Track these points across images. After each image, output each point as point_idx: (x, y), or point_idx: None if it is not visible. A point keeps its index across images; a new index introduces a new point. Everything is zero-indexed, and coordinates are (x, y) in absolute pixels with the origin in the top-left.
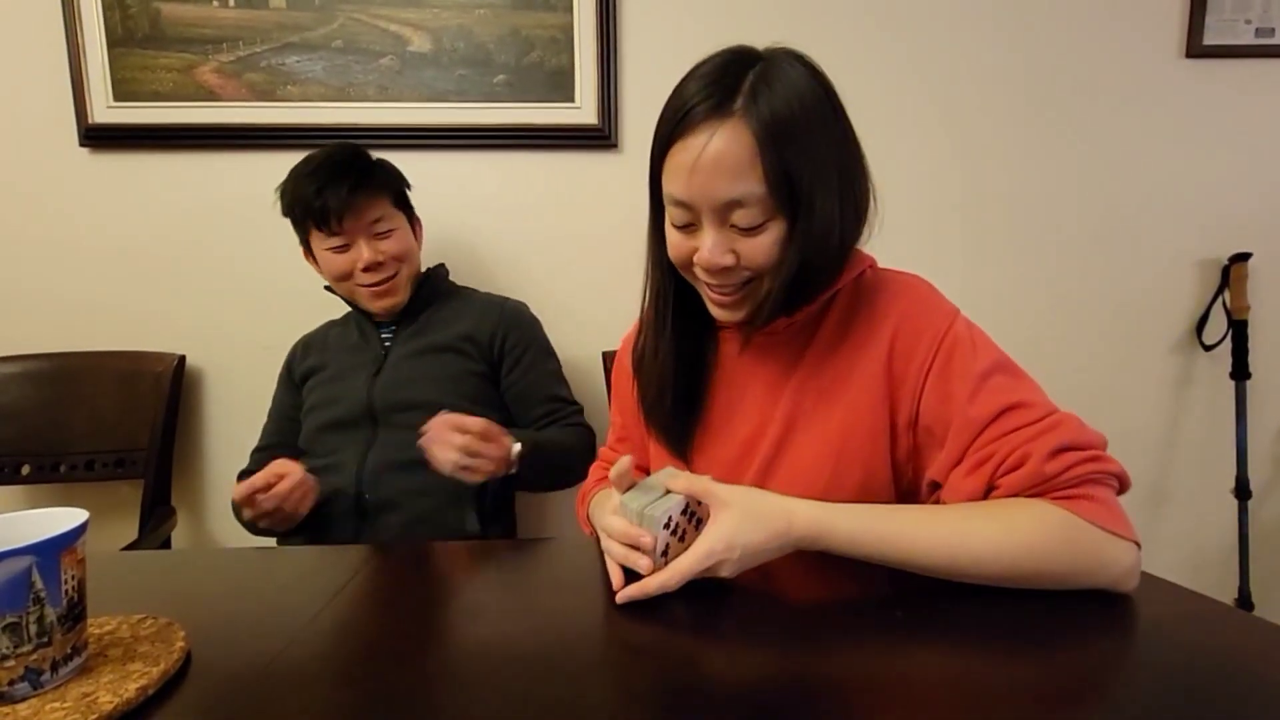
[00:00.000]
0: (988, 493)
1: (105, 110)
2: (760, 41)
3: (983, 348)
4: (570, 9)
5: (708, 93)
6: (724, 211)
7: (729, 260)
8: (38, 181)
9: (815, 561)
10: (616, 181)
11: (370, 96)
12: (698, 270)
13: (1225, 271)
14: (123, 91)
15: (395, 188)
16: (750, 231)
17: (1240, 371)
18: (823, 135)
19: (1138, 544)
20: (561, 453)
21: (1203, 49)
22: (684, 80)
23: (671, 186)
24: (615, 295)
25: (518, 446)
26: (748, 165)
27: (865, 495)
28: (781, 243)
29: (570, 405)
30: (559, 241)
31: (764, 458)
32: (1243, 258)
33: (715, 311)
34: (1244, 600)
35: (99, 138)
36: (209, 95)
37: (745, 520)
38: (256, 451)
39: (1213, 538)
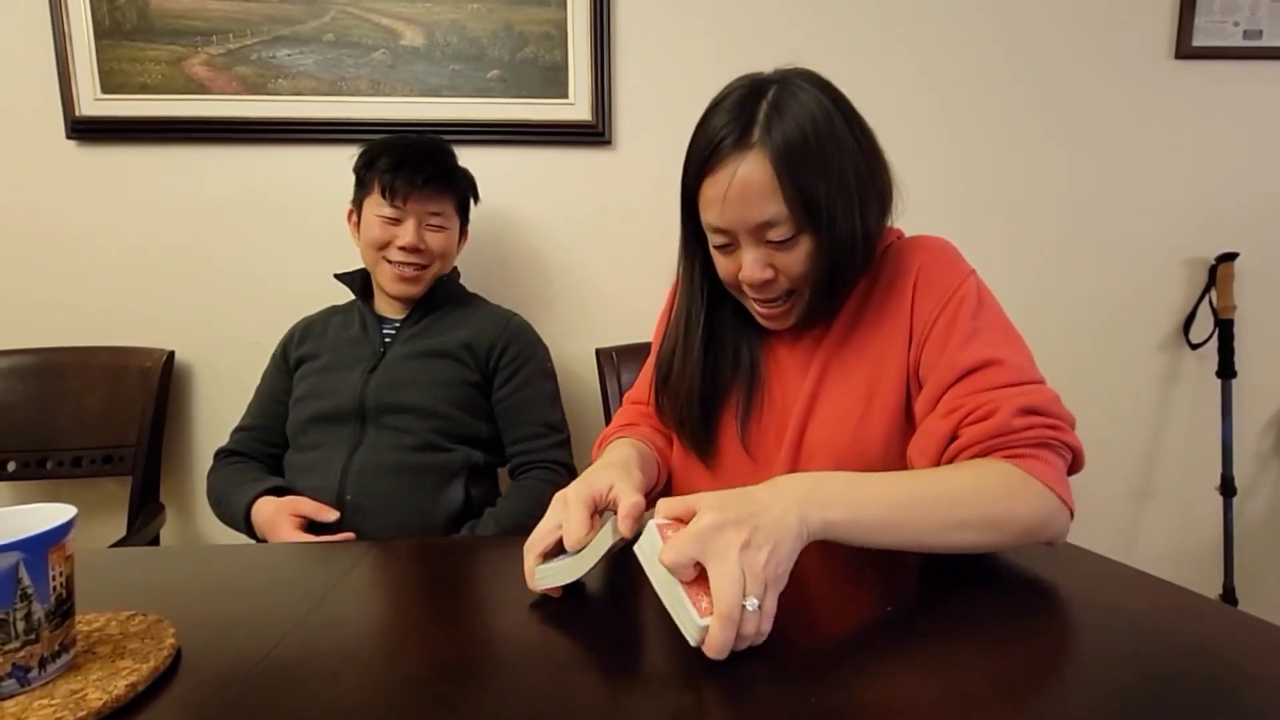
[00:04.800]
0: (951, 441)
1: (93, 102)
2: (754, 40)
3: (988, 307)
4: (564, 5)
5: (730, 128)
6: (758, 232)
7: (769, 274)
8: (24, 174)
9: (807, 558)
10: (610, 178)
11: (362, 91)
12: (744, 286)
13: (1212, 271)
14: (110, 83)
15: (464, 195)
16: (784, 245)
17: (1226, 370)
18: (835, 149)
19: (1072, 512)
20: (524, 528)
21: (1192, 50)
22: (707, 115)
23: (708, 216)
24: (608, 291)
25: None
26: (770, 190)
27: (889, 443)
28: (812, 254)
29: (555, 433)
30: (551, 238)
31: (800, 410)
32: (1229, 257)
33: (763, 323)
34: (1228, 595)
35: (86, 130)
36: (198, 88)
37: (729, 490)
38: (238, 431)
39: (1198, 533)
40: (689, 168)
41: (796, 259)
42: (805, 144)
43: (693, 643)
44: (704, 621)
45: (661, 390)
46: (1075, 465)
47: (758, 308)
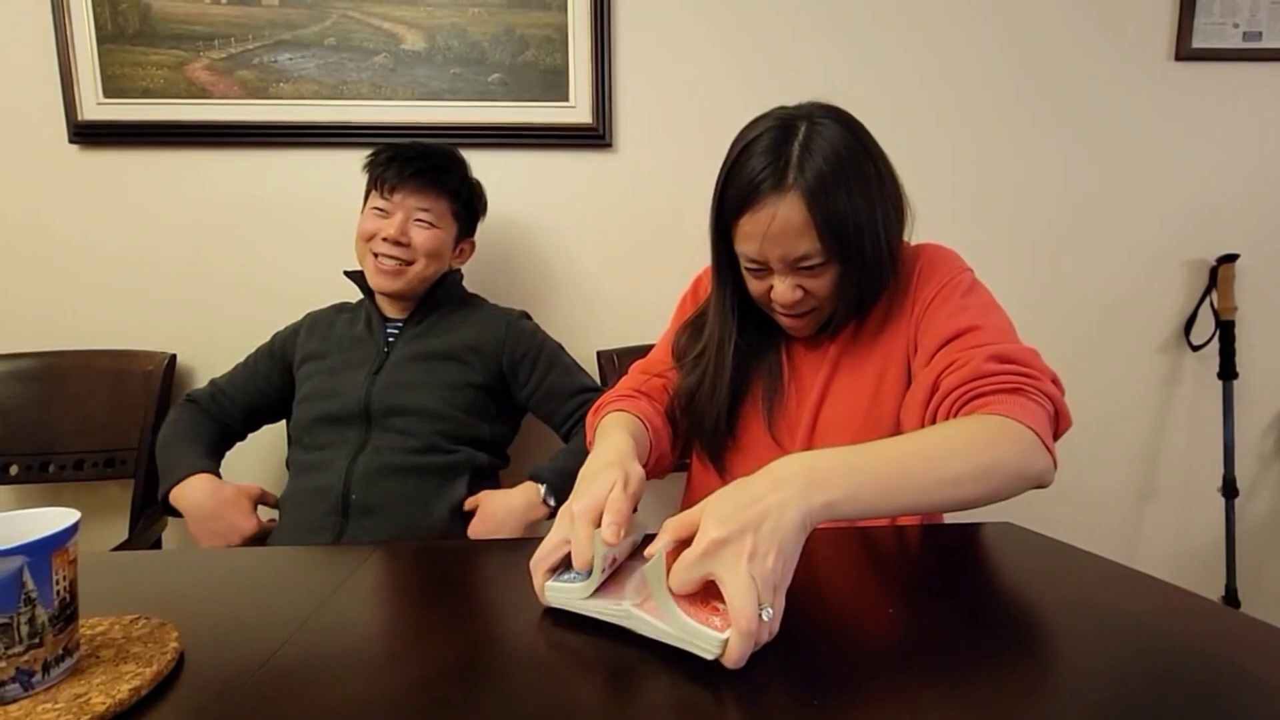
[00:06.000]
0: (933, 393)
1: (95, 107)
2: (754, 43)
3: (978, 291)
4: (565, 8)
5: (767, 171)
6: (793, 263)
7: (799, 295)
8: (26, 178)
9: (806, 557)
10: (610, 181)
11: (364, 95)
12: (774, 304)
13: (1213, 272)
14: (113, 88)
15: (461, 200)
16: (814, 271)
17: (1227, 371)
18: (860, 182)
19: (1054, 457)
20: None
21: (1191, 52)
22: (742, 154)
23: (745, 248)
24: (609, 293)
25: (551, 503)
26: (806, 228)
27: (898, 430)
28: (839, 278)
29: (593, 393)
30: (552, 241)
31: (816, 395)
32: (1230, 259)
33: (789, 331)
34: (1230, 597)
35: (88, 134)
36: (200, 92)
37: (727, 488)
38: (212, 383)
39: (1200, 535)
40: (725, 204)
41: (825, 283)
42: (835, 182)
43: (710, 658)
44: (723, 635)
45: (686, 411)
46: (1060, 419)
47: (783, 320)
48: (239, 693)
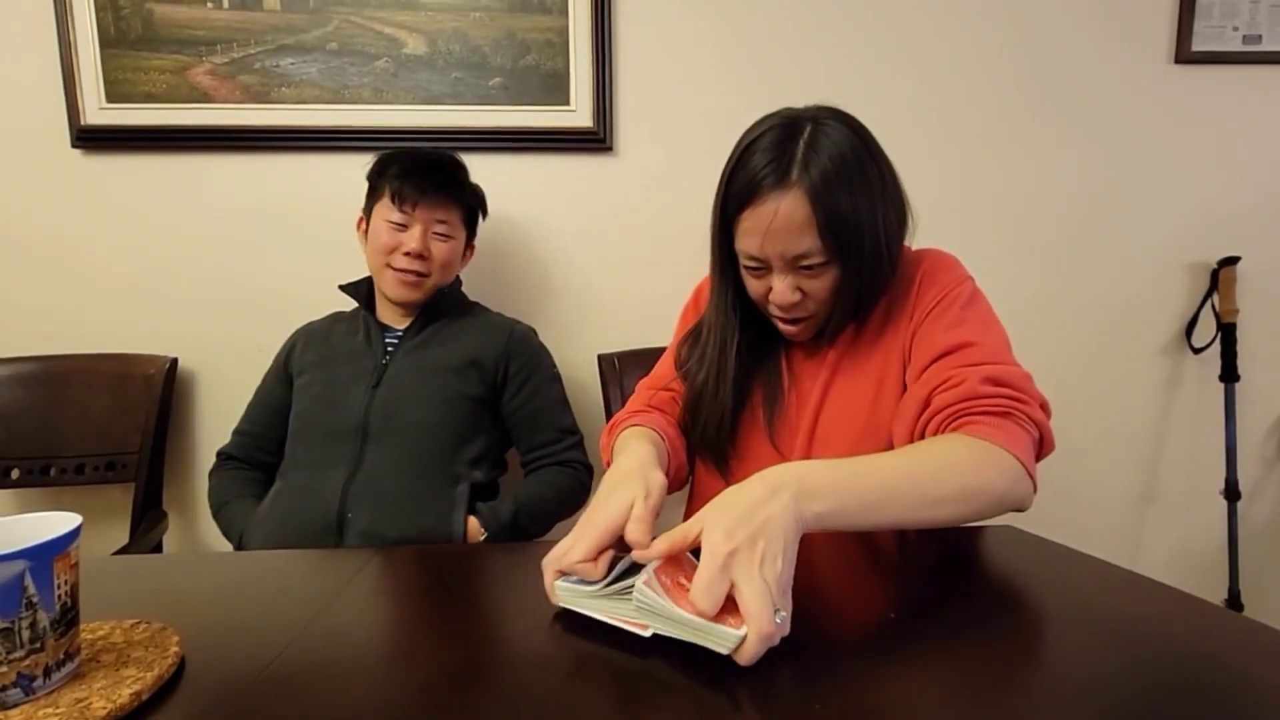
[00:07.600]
0: (924, 407)
1: (98, 111)
2: (755, 46)
3: (978, 304)
4: (565, 12)
5: (771, 168)
6: (792, 261)
7: (797, 297)
8: (29, 183)
9: (807, 562)
10: (611, 184)
11: (365, 99)
12: (772, 307)
13: (1214, 275)
14: (115, 93)
15: (471, 207)
16: (813, 271)
17: (1229, 374)
18: (863, 185)
19: (1034, 481)
20: (542, 511)
21: (1191, 55)
22: (746, 151)
23: (746, 245)
24: (610, 297)
25: (483, 536)
26: (807, 226)
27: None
28: (838, 280)
29: (570, 436)
30: (553, 244)
31: (815, 401)
32: (1231, 261)
33: (787, 335)
34: (1234, 601)
35: (91, 139)
36: (202, 97)
37: (722, 499)
38: (238, 434)
39: (1202, 539)
40: (727, 201)
41: (824, 285)
42: (839, 182)
43: (724, 652)
44: (739, 632)
45: (694, 418)
46: (1044, 444)
47: (782, 325)
48: (240, 697)
